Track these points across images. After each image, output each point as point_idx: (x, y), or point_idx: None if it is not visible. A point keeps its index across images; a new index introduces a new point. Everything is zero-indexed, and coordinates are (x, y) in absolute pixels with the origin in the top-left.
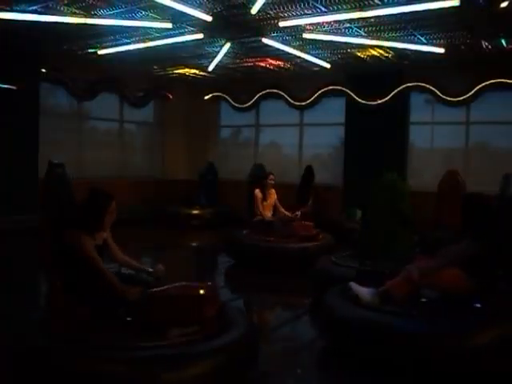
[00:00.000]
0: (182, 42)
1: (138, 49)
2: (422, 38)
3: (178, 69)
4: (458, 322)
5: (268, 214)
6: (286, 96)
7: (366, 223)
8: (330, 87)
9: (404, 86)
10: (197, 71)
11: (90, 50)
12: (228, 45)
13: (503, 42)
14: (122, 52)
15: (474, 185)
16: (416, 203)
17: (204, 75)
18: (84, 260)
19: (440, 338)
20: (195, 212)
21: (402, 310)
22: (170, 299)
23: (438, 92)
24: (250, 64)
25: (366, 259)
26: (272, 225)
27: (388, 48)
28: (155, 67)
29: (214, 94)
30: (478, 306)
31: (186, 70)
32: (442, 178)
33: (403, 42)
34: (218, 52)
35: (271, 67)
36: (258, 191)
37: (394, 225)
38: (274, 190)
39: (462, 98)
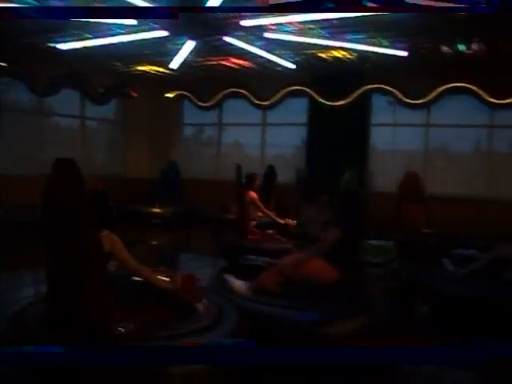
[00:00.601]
0: (146, 39)
1: (101, 44)
2: (384, 41)
3: (141, 66)
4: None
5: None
6: (249, 95)
7: None
8: (293, 87)
9: (366, 87)
10: (160, 69)
11: (51, 45)
12: (191, 43)
13: (462, 46)
14: (84, 47)
15: (434, 186)
16: (378, 204)
17: (167, 73)
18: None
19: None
20: (157, 211)
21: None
22: None
23: (399, 94)
24: (213, 63)
25: None
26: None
27: (351, 50)
28: (118, 64)
29: (178, 92)
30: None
31: (150, 67)
32: (402, 179)
33: (366, 44)
34: (181, 49)
35: (235, 66)
36: (254, 193)
37: None
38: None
39: (422, 101)
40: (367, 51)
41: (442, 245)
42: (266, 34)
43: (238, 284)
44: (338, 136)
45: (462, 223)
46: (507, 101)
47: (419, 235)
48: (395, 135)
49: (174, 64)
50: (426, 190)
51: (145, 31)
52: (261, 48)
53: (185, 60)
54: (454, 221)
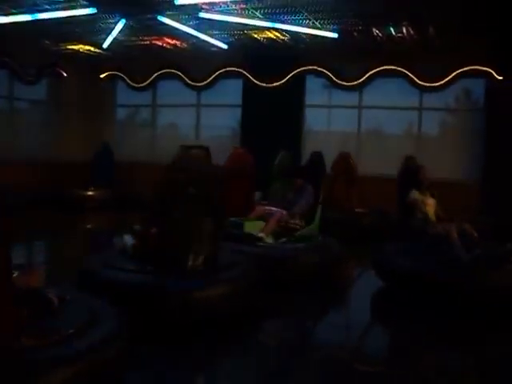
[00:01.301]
0: (75, 17)
1: (29, 21)
2: (317, 23)
3: (71, 45)
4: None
5: None
6: (183, 76)
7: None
8: (228, 68)
9: (300, 69)
10: (92, 48)
11: None
12: (123, 21)
13: (392, 30)
14: (11, 23)
15: (366, 167)
16: None
17: (99, 52)
18: None
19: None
20: (90, 194)
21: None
22: None
23: (332, 76)
24: (146, 42)
25: None
26: None
27: (284, 31)
28: (47, 42)
29: (110, 72)
30: None
31: (81, 46)
32: (334, 160)
33: (298, 25)
34: (113, 28)
35: (168, 46)
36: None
37: None
38: None
39: (354, 83)
40: (300, 33)
41: (374, 223)
42: (200, 14)
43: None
44: (272, 117)
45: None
46: (437, 84)
47: (352, 214)
48: (329, 116)
49: (106, 43)
50: (359, 170)
51: (74, 8)
52: (195, 28)
53: (117, 39)
54: (386, 200)
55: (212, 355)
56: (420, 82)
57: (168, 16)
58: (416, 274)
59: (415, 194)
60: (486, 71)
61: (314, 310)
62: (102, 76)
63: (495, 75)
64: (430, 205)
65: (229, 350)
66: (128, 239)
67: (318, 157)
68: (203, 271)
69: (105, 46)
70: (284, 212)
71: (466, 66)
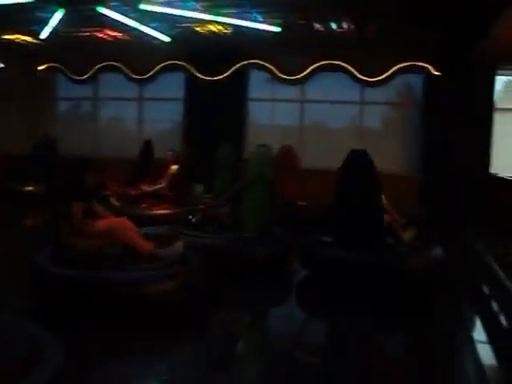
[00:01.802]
0: (11, 5)
1: None
2: (259, 16)
3: (8, 34)
4: None
5: None
6: (125, 69)
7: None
8: (170, 62)
9: (242, 63)
10: (30, 38)
11: None
12: (61, 11)
13: (333, 24)
14: None
15: (309, 160)
16: None
17: (38, 43)
18: None
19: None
20: (29, 188)
21: None
22: None
23: (274, 70)
24: (87, 34)
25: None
26: None
27: (226, 24)
28: None
29: (49, 64)
30: None
31: (18, 36)
32: (277, 153)
33: (241, 19)
34: (52, 18)
35: (109, 38)
36: None
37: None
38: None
39: (297, 77)
40: (242, 26)
41: (317, 216)
42: (141, 6)
43: None
44: (215, 111)
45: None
46: (377, 79)
47: (294, 207)
48: (273, 110)
49: (44, 34)
50: (302, 163)
51: None
52: (136, 20)
53: (56, 30)
54: (329, 193)
55: (161, 343)
56: (360, 77)
57: (108, 7)
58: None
59: None
60: (423, 67)
61: (265, 300)
62: (40, 68)
63: (432, 70)
64: None
65: (173, 340)
66: None
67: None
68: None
69: (43, 36)
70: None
71: (405, 62)
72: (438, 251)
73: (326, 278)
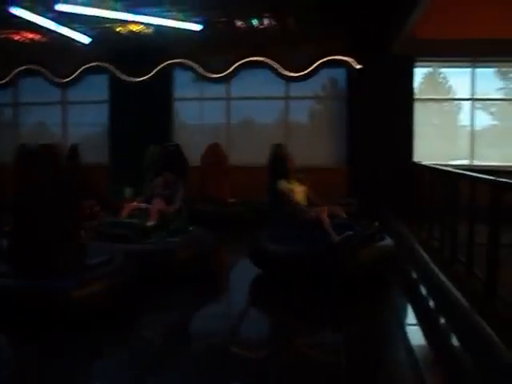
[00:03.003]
0: None
1: None
2: (180, 15)
3: None
4: None
5: None
6: (45, 72)
7: None
8: (92, 64)
9: (166, 63)
10: None
11: None
12: None
13: (254, 21)
14: None
15: (237, 157)
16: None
17: None
18: None
19: None
20: None
21: None
22: None
23: (199, 69)
24: (2, 36)
25: None
26: None
27: (147, 24)
28: None
29: None
30: None
31: None
32: (204, 151)
33: (161, 18)
34: None
35: (27, 41)
36: None
37: None
38: None
39: (221, 75)
40: (164, 25)
41: (247, 213)
42: (57, 6)
43: None
44: (141, 112)
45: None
46: (300, 74)
47: (224, 205)
48: (201, 109)
49: None
50: (230, 160)
51: None
52: (53, 21)
53: None
54: (258, 190)
55: (89, 349)
56: (284, 73)
57: (22, 8)
58: (289, 258)
59: (282, 184)
60: (346, 61)
61: (193, 301)
62: None
63: (354, 64)
64: (299, 192)
65: (105, 344)
66: None
67: (175, 149)
68: (70, 271)
69: None
70: (160, 200)
71: (327, 56)
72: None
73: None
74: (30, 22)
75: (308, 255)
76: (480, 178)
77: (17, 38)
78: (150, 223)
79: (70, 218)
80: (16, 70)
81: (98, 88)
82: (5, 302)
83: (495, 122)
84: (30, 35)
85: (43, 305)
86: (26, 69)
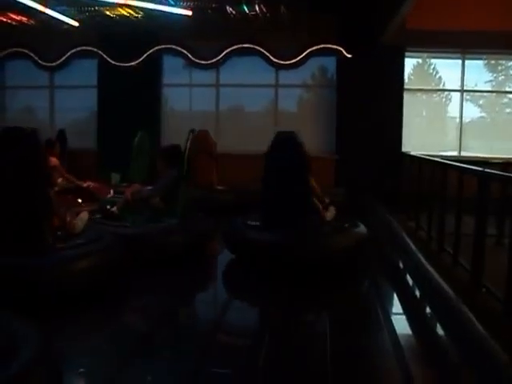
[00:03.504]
0: None
1: None
2: (170, 0)
3: None
4: None
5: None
6: (33, 56)
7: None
8: (81, 47)
9: (155, 48)
10: None
11: None
12: None
13: (245, 7)
14: None
15: (226, 144)
16: None
17: None
18: None
19: None
20: None
21: None
22: None
23: (188, 55)
24: None
25: None
26: None
27: (137, 8)
28: None
29: None
30: None
31: None
32: (192, 138)
33: (151, 2)
34: None
35: (14, 23)
36: (55, 159)
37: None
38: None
39: (211, 62)
40: (154, 10)
41: (236, 200)
42: None
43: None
44: (130, 97)
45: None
46: (290, 62)
47: (213, 192)
48: (191, 95)
49: None
50: (219, 148)
51: None
52: (41, 3)
53: None
54: (247, 177)
55: (74, 328)
56: (274, 60)
57: None
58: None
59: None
60: (336, 49)
61: (180, 286)
62: None
63: (345, 53)
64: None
65: (90, 325)
66: None
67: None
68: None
69: None
70: (137, 185)
71: (318, 44)
72: (361, 229)
73: (251, 260)
74: (17, 3)
75: (277, 241)
76: (468, 168)
77: (3, 19)
78: (114, 208)
79: (40, 196)
80: (2, 53)
81: (86, 72)
82: None
83: (483, 114)
84: (18, 17)
85: (16, 282)
86: (13, 51)
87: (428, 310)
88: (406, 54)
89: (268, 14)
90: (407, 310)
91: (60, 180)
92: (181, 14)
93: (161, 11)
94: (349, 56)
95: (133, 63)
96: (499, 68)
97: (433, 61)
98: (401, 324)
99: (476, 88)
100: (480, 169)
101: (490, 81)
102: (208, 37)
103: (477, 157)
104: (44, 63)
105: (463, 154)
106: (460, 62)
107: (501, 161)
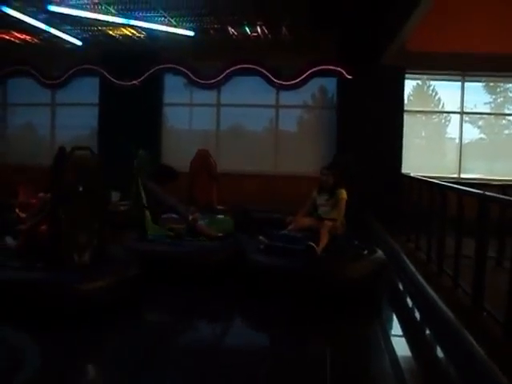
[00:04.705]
0: None
1: None
2: (173, 21)
3: None
4: None
5: None
6: (36, 74)
7: None
8: (84, 66)
9: (157, 67)
10: None
11: None
12: None
13: (247, 29)
14: None
15: (226, 164)
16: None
17: None
18: None
19: None
20: None
21: None
22: None
23: (190, 74)
24: None
25: None
26: None
27: (140, 28)
28: None
29: None
30: None
31: None
32: (193, 157)
33: (154, 22)
34: None
35: (17, 41)
36: None
37: None
38: None
39: (212, 81)
40: (156, 30)
41: (236, 220)
42: (50, 8)
43: (11, 242)
44: (131, 116)
45: (251, 199)
46: (291, 82)
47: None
48: (191, 115)
49: None
50: (219, 167)
51: None
52: (45, 22)
53: None
54: (246, 196)
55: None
56: (275, 81)
57: (14, 7)
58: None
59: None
60: (336, 70)
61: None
62: None
63: (345, 74)
64: None
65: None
66: (9, 240)
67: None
68: (89, 266)
69: None
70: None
71: (319, 66)
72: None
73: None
74: (21, 22)
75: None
76: (468, 191)
77: (7, 37)
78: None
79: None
80: (5, 70)
81: (88, 91)
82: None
83: (482, 136)
84: (21, 35)
85: (52, 296)
86: (15, 69)
87: (428, 331)
88: (406, 75)
89: (269, 36)
90: (407, 333)
91: None
92: (183, 35)
93: (163, 31)
94: (349, 77)
95: (134, 82)
96: (498, 90)
97: (432, 82)
98: (401, 346)
99: (475, 110)
100: (480, 192)
101: (489, 103)
102: (209, 57)
103: (476, 178)
104: (46, 81)
105: (463, 175)
106: (460, 84)
107: (500, 183)
